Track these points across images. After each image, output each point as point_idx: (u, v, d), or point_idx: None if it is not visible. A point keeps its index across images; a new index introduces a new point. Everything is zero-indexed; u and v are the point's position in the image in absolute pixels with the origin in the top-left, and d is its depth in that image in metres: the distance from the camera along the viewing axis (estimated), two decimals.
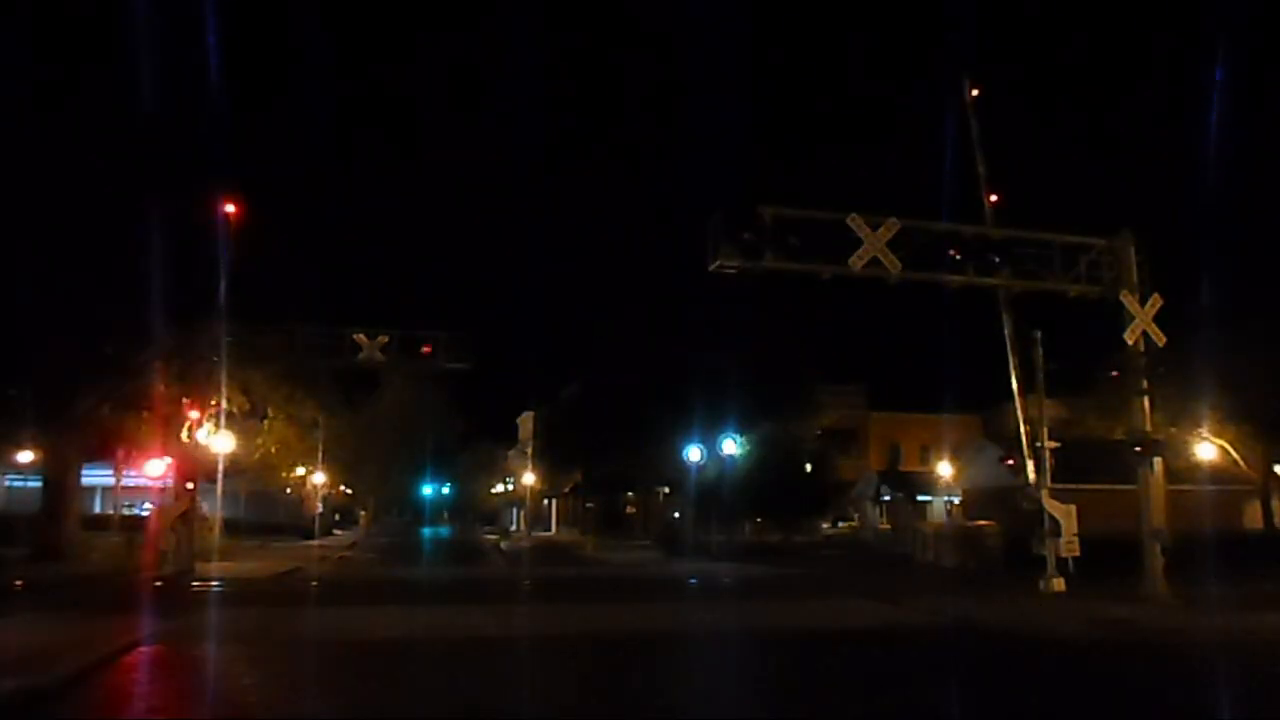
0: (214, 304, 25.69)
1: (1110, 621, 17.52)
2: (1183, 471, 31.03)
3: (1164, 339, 21.97)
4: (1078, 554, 22.69)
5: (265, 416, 35.10)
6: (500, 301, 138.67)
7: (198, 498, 29.37)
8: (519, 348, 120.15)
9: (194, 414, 27.35)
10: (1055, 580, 22.48)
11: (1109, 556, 23.21)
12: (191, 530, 27.85)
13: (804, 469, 48.05)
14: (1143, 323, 21.93)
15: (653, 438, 47.69)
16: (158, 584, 23.27)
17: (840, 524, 57.25)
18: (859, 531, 55.44)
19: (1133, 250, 22.32)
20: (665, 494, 60.64)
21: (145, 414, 29.39)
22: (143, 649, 13.73)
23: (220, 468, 32.30)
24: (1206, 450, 32.65)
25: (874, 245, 20.38)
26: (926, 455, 57.78)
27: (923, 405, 57.39)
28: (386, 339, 28.28)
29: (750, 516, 49.84)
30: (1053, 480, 23.58)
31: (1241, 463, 34.04)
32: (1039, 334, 23.98)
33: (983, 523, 34.87)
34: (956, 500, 51.17)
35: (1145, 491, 21.99)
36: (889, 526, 53.36)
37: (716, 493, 43.18)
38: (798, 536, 47.78)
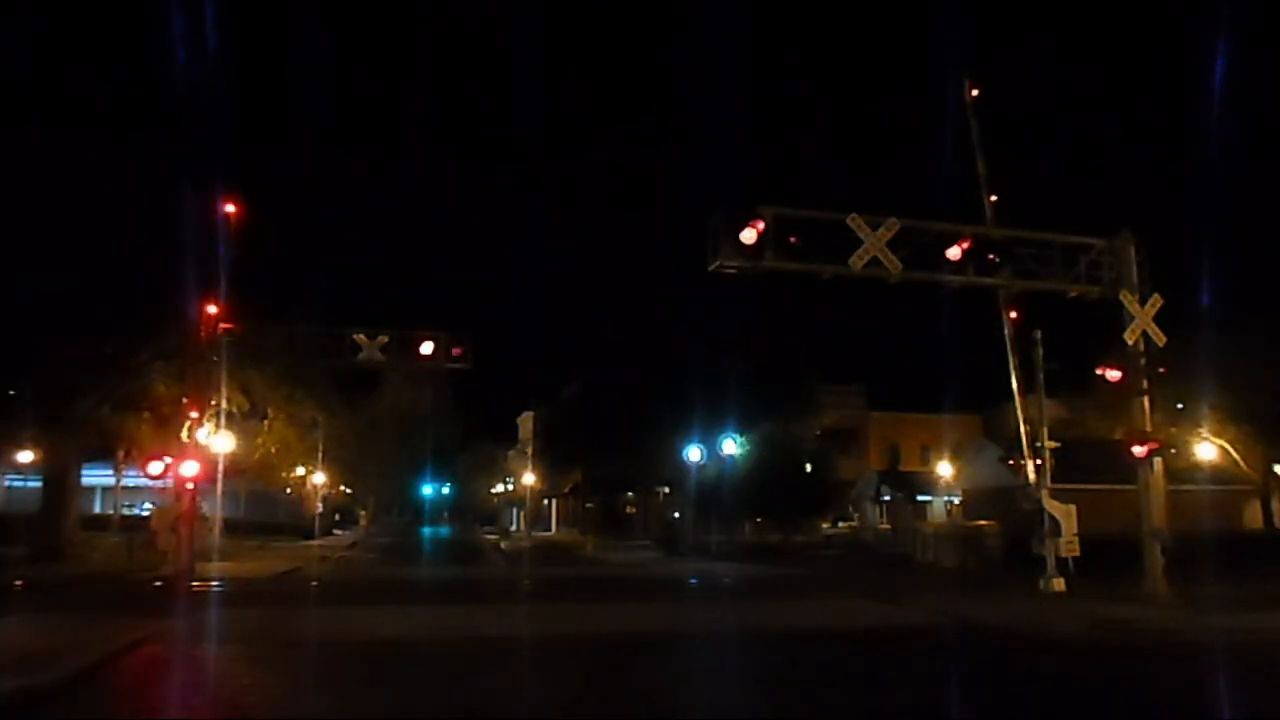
0: (214, 304, 25.67)
1: (1110, 621, 17.51)
2: (1183, 471, 31.04)
3: (1164, 339, 21.95)
4: (1078, 554, 22.68)
5: (265, 416, 35.10)
6: (500, 301, 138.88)
7: (198, 498, 29.35)
8: (519, 348, 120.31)
9: (194, 414, 27.32)
10: (1055, 580, 22.47)
11: (1109, 556, 23.20)
12: (192, 530, 27.82)
13: (804, 469, 48.04)
14: (1143, 323, 21.92)
15: (653, 438, 47.70)
16: (158, 584, 23.27)
17: (840, 524, 57.25)
18: (859, 531, 55.45)
19: (1133, 250, 22.31)
20: (665, 494, 60.66)
21: (145, 414, 29.42)
22: (143, 649, 13.72)
23: (220, 468, 32.28)
24: (1206, 450, 32.67)
25: (874, 245, 20.37)
26: (926, 455, 57.82)
27: (923, 405, 57.44)
28: (386, 339, 28.26)
29: (750, 516, 49.86)
30: (1053, 480, 23.57)
31: (1241, 463, 34.06)
32: (1039, 334, 23.98)
33: (983, 523, 34.87)
34: (956, 500, 51.19)
35: (1145, 491, 21.98)
36: (889, 526, 53.39)
37: (716, 493, 43.18)
38: (798, 536, 47.79)
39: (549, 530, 78.37)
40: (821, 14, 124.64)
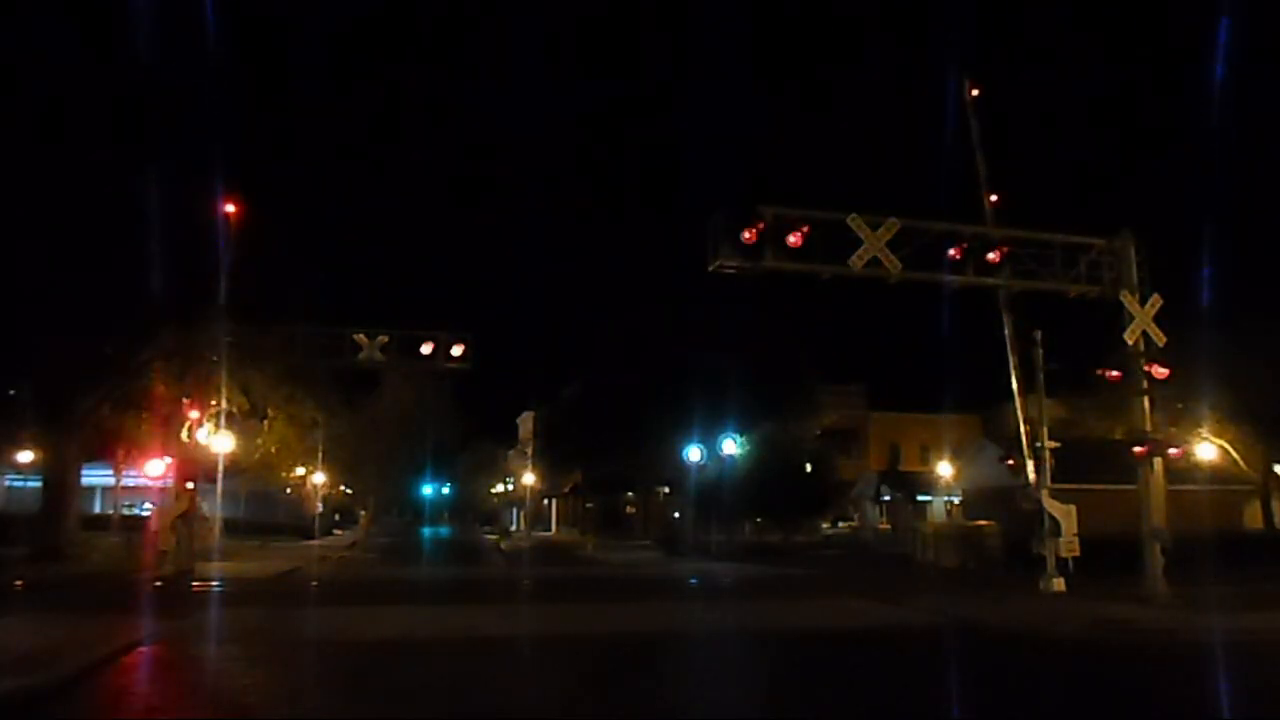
0: (214, 304, 25.68)
1: (1110, 621, 17.51)
2: (1183, 471, 31.03)
3: (1164, 339, 21.96)
4: (1078, 554, 22.67)
5: (265, 416, 35.06)
6: (500, 301, 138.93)
7: (198, 498, 29.35)
8: (519, 348, 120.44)
9: (194, 414, 27.33)
10: (1055, 580, 22.47)
11: (1109, 556, 23.21)
12: (191, 530, 27.83)
13: (804, 469, 48.04)
14: (1143, 323, 21.93)
15: (653, 438, 47.70)
16: (158, 584, 23.26)
17: (840, 524, 57.26)
18: (859, 531, 55.46)
19: (1133, 250, 22.32)
20: (665, 494, 60.68)
21: (145, 414, 29.40)
22: (143, 649, 13.73)
23: (220, 468, 32.30)
24: (1206, 450, 32.66)
25: (874, 245, 20.39)
26: (926, 455, 57.80)
27: (923, 405, 57.44)
28: (386, 339, 28.26)
29: (750, 516, 49.87)
30: (1053, 480, 23.57)
31: (1241, 463, 34.05)
32: (1039, 334, 23.98)
33: (983, 523, 34.86)
34: (956, 500, 51.18)
35: (1145, 491, 21.99)
36: (889, 526, 53.40)
37: (716, 493, 43.20)
38: (798, 536, 47.80)
39: (549, 530, 78.37)
40: (822, 14, 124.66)
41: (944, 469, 50.33)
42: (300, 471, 54.50)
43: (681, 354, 47.36)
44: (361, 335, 28.06)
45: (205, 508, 34.84)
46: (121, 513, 42.64)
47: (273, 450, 39.78)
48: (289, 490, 58.53)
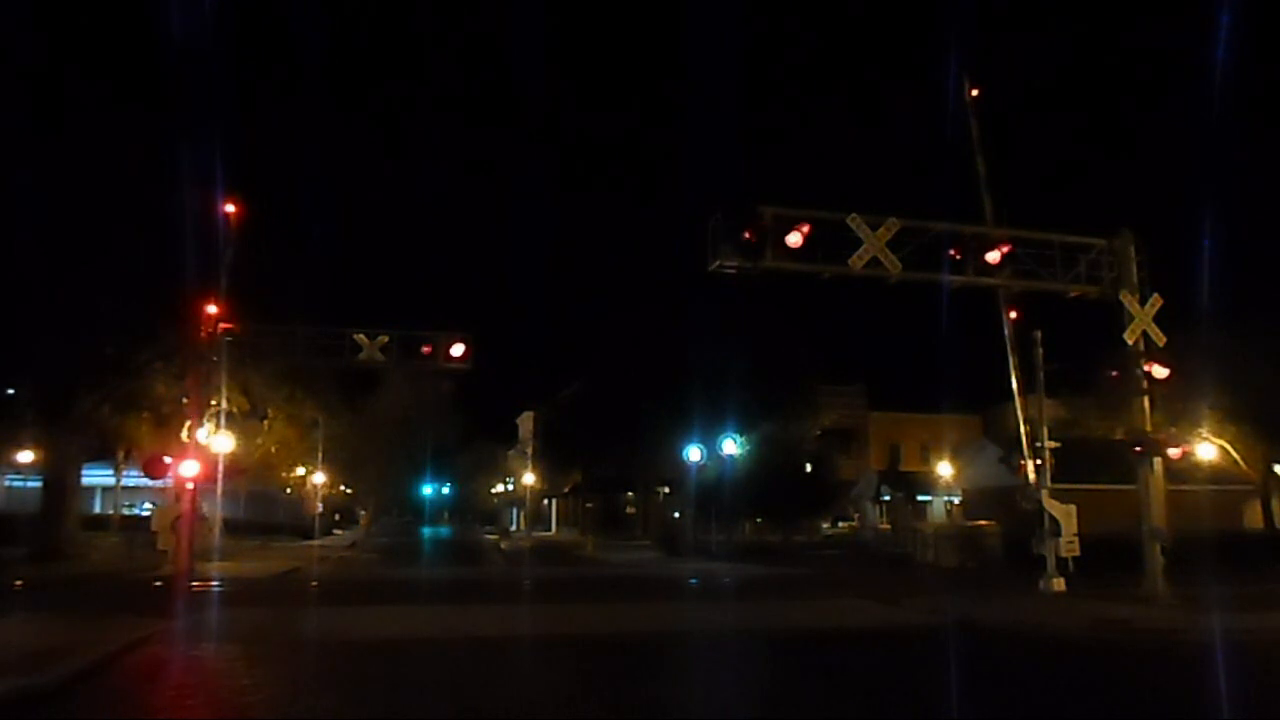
0: (214, 304, 25.67)
1: (1110, 621, 17.51)
2: (1183, 471, 31.03)
3: (1164, 339, 21.95)
4: (1078, 554, 22.68)
5: (265, 416, 35.07)
6: (500, 301, 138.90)
7: (198, 498, 29.33)
8: (519, 348, 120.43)
9: (194, 414, 27.31)
10: (1055, 580, 22.47)
11: (1109, 556, 23.21)
12: (191, 530, 27.82)
13: (804, 469, 48.09)
14: (1143, 323, 21.91)
15: (653, 438, 47.70)
16: (158, 584, 23.26)
17: (840, 524, 57.32)
18: (859, 531, 55.49)
19: (1133, 250, 22.30)
20: (665, 494, 60.68)
21: (145, 414, 29.40)
22: (143, 649, 13.72)
23: (220, 468, 32.26)
24: (1206, 450, 32.65)
25: (874, 245, 20.37)
26: (926, 455, 57.85)
27: (923, 405, 57.50)
28: (386, 339, 28.25)
29: (750, 516, 49.90)
30: (1053, 480, 23.57)
31: (1241, 463, 34.05)
32: (1039, 334, 23.98)
33: (983, 523, 34.89)
34: (956, 500, 51.24)
35: (1145, 491, 21.97)
36: (889, 526, 53.42)
37: (716, 493, 43.20)
38: (798, 536, 47.84)
39: (549, 530, 78.35)
40: (822, 14, 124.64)
41: (944, 469, 50.37)
42: (300, 471, 54.52)
43: (681, 354, 47.36)
44: (361, 335, 28.05)
45: (205, 508, 34.82)
46: (121, 513, 42.66)
47: (273, 450, 39.81)
48: (289, 490, 58.56)
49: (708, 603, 24.20)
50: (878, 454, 63.25)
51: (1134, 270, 22.24)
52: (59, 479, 30.45)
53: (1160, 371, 21.84)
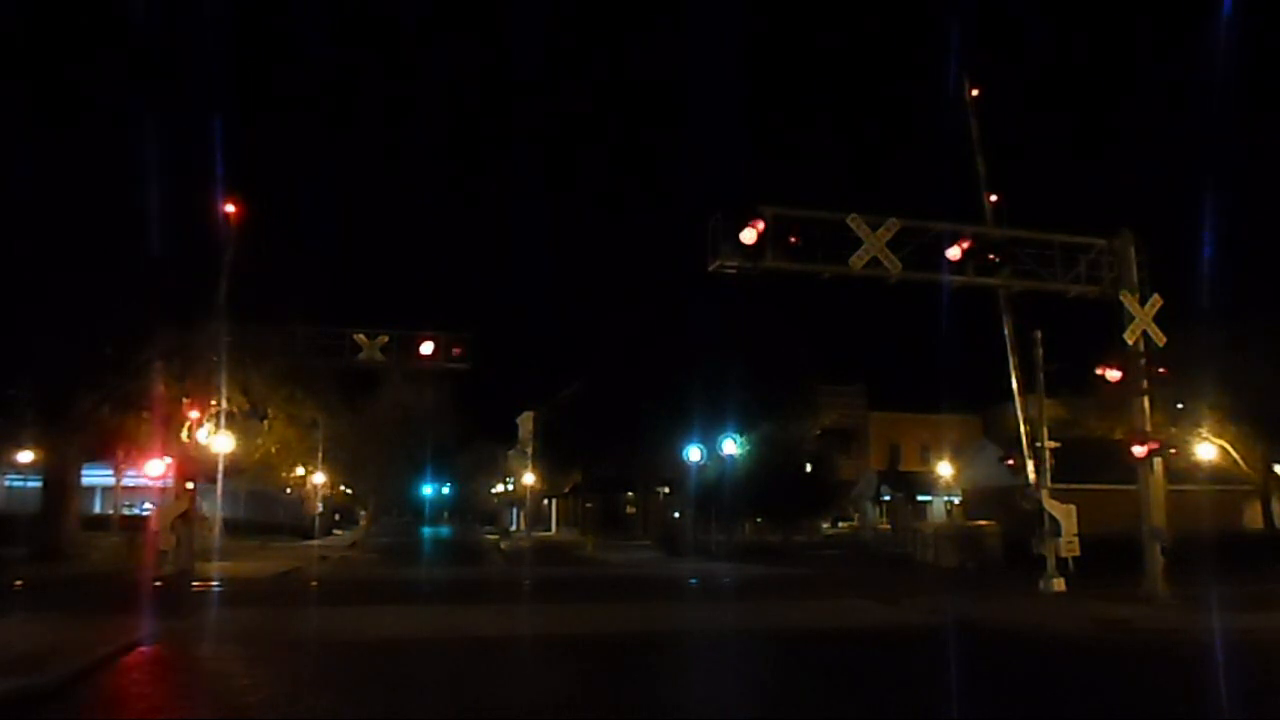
0: (214, 304, 25.67)
1: (1110, 621, 17.52)
2: (1183, 471, 31.06)
3: (1164, 339, 21.96)
4: (1078, 554, 22.69)
5: (265, 416, 35.05)
6: (500, 301, 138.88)
7: (198, 498, 29.33)
8: (519, 348, 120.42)
9: (194, 414, 27.31)
10: (1055, 580, 22.48)
11: (1109, 556, 23.22)
12: (191, 530, 27.82)
13: (804, 469, 48.07)
14: (1143, 323, 21.92)
15: (653, 438, 47.70)
16: (158, 584, 23.25)
17: (840, 524, 57.31)
18: (859, 531, 55.49)
19: (1133, 250, 22.31)
20: (665, 494, 60.66)
21: (145, 414, 29.38)
22: (143, 649, 13.72)
23: (220, 468, 32.28)
24: (1206, 450, 32.66)
25: (874, 245, 20.38)
26: (926, 455, 57.85)
27: (923, 405, 57.51)
28: (386, 339, 28.24)
29: (750, 516, 49.88)
30: (1053, 480, 23.58)
31: (1241, 463, 34.05)
32: (1039, 334, 23.99)
33: (983, 523, 34.87)
34: (956, 500, 51.22)
35: (1145, 491, 21.98)
36: (889, 526, 53.43)
37: (716, 493, 43.19)
38: (798, 536, 47.83)
39: (549, 530, 78.32)
40: (822, 13, 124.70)
41: (944, 469, 50.36)
42: (300, 471, 54.47)
43: (681, 354, 47.38)
44: (361, 335, 28.04)
45: (205, 508, 34.81)
46: (121, 513, 42.62)
47: (273, 450, 39.77)
48: (289, 490, 58.49)
49: (708, 603, 24.20)
50: (878, 454, 63.24)
51: (1134, 270, 22.25)
52: (59, 479, 30.42)
53: (1160, 371, 21.86)
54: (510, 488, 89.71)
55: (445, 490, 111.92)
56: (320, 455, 52.73)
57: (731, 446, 40.10)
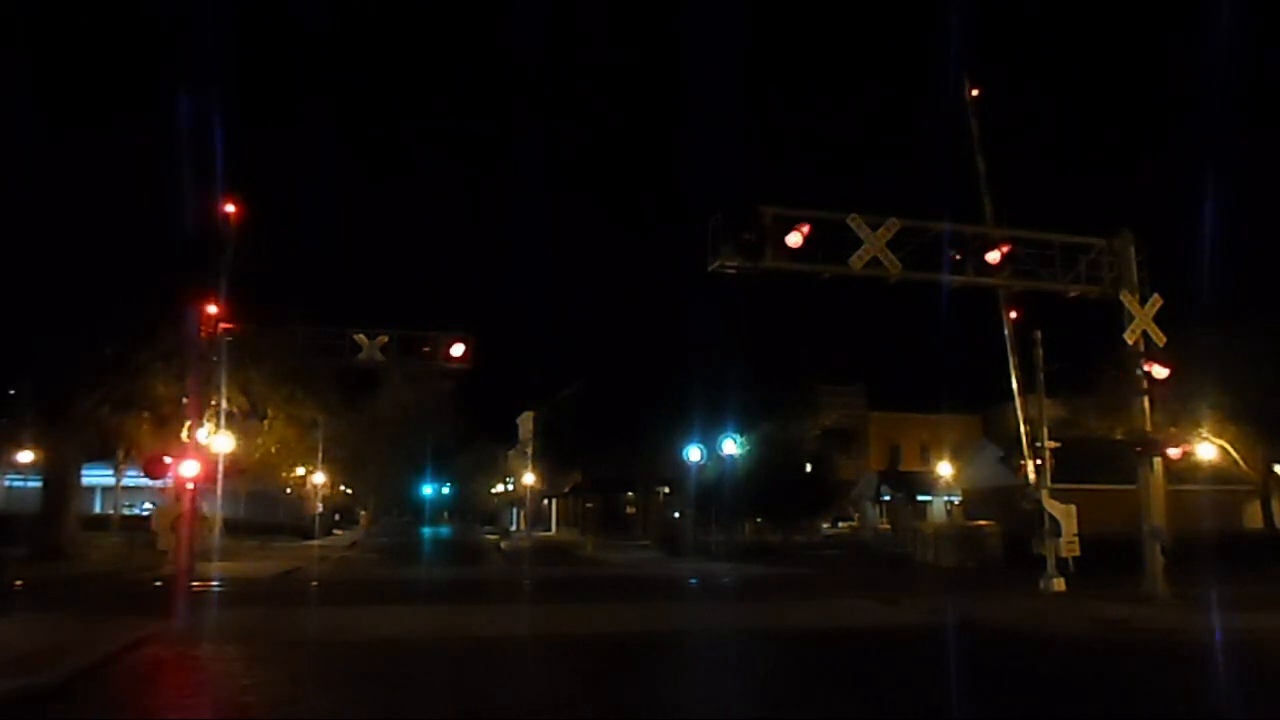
0: (214, 304, 25.65)
1: (1110, 621, 17.53)
2: (1183, 471, 31.05)
3: (1164, 339, 21.95)
4: (1078, 554, 22.68)
5: (265, 416, 35.04)
6: (500, 301, 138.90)
7: (198, 498, 29.30)
8: (519, 348, 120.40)
9: (194, 414, 27.30)
10: (1055, 580, 22.48)
11: (1109, 556, 23.21)
12: (192, 530, 27.80)
13: (804, 469, 48.06)
14: (1143, 323, 21.92)
15: (653, 438, 47.68)
16: (158, 584, 23.25)
17: (840, 524, 57.28)
18: (859, 531, 55.47)
19: (1133, 250, 22.31)
20: (665, 494, 60.66)
21: (145, 414, 29.38)
22: (143, 649, 13.72)
23: (220, 468, 32.26)
24: (1206, 450, 32.66)
25: (874, 245, 20.37)
26: (926, 455, 57.85)
27: (923, 405, 57.51)
28: (386, 339, 28.23)
29: (750, 516, 49.87)
30: (1053, 480, 23.58)
31: (1241, 463, 34.05)
32: (1039, 334, 23.98)
33: (983, 523, 34.88)
34: (956, 500, 51.21)
35: (1145, 491, 21.98)
36: (889, 526, 53.41)
37: (716, 493, 43.18)
38: (797, 536, 47.82)
39: (549, 530, 78.32)
40: (822, 13, 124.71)
41: (944, 469, 50.36)
42: (300, 471, 54.46)
43: (681, 354, 47.36)
44: (361, 335, 28.02)
45: (205, 508, 34.76)
46: (121, 513, 42.64)
47: (273, 450, 39.73)
48: (289, 490, 58.49)
49: (708, 603, 24.20)
50: (878, 454, 63.22)
51: (1134, 270, 22.25)
52: (59, 479, 30.43)
53: (1160, 371, 21.84)
54: (510, 488, 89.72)
55: (445, 490, 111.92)
56: (320, 455, 52.70)
57: (731, 446, 40.08)
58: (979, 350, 29.37)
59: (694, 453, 40.17)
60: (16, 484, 44.66)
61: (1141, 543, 21.70)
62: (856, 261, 20.35)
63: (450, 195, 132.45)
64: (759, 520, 50.58)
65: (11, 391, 31.66)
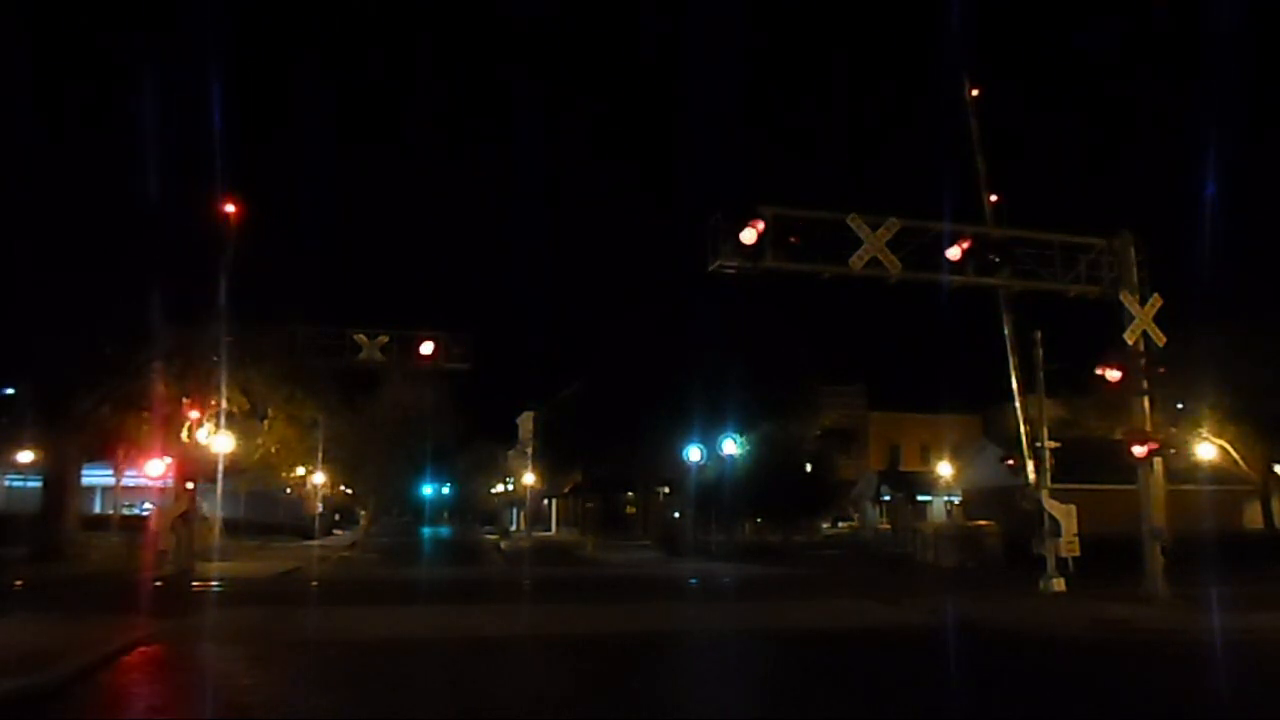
0: (214, 304, 25.68)
1: (1110, 621, 17.52)
2: (1183, 471, 31.07)
3: (1164, 339, 21.95)
4: (1078, 554, 22.68)
5: (265, 416, 35.06)
6: (500, 301, 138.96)
7: (198, 498, 29.33)
8: (519, 348, 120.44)
9: (194, 414, 27.32)
10: (1055, 580, 22.47)
11: (1109, 556, 23.22)
12: (191, 530, 27.81)
13: (804, 469, 48.07)
14: (1143, 323, 21.91)
15: (653, 438, 47.69)
16: (158, 584, 23.25)
17: (840, 524, 57.29)
18: (859, 531, 55.48)
19: (1133, 250, 22.31)
20: (665, 494, 60.67)
21: (145, 414, 29.39)
22: (143, 649, 13.72)
23: (220, 468, 32.28)
24: (1206, 450, 32.67)
25: (874, 245, 20.37)
26: (926, 455, 57.83)
27: (923, 405, 57.54)
28: (386, 339, 28.25)
29: (750, 516, 49.88)
30: (1053, 480, 23.57)
31: (1241, 463, 34.06)
32: (1039, 334, 23.98)
33: (983, 523, 34.89)
34: (956, 500, 51.22)
35: (1145, 491, 21.98)
36: (889, 526, 53.41)
37: (716, 493, 43.19)
38: (797, 536, 47.81)
39: (549, 530, 78.31)
40: (822, 14, 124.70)
41: (944, 469, 50.36)
42: (300, 471, 54.45)
43: (681, 354, 47.39)
44: (361, 335, 28.04)
45: (205, 508, 34.78)
46: (121, 513, 42.60)
47: (273, 450, 39.76)
48: (289, 490, 58.46)
49: (708, 603, 24.19)
50: (878, 454, 63.21)
51: (1134, 270, 22.24)
52: (59, 479, 30.43)
53: (1160, 371, 21.85)
54: (510, 488, 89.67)
55: (445, 490, 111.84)
56: (320, 455, 52.72)
57: (731, 446, 40.09)
58: (979, 350, 29.42)
59: (694, 453, 40.17)
60: (16, 484, 44.63)
61: (1141, 543, 21.69)
62: (856, 261, 20.35)
63: (450, 196, 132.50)
64: (759, 520, 50.59)
65: (11, 391, 31.67)
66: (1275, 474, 35.17)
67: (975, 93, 24.49)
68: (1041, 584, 22.53)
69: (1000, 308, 23.80)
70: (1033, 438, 23.78)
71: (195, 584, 24.73)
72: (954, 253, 20.93)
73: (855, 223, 20.36)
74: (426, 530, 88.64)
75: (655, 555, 43.46)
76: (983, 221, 23.12)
